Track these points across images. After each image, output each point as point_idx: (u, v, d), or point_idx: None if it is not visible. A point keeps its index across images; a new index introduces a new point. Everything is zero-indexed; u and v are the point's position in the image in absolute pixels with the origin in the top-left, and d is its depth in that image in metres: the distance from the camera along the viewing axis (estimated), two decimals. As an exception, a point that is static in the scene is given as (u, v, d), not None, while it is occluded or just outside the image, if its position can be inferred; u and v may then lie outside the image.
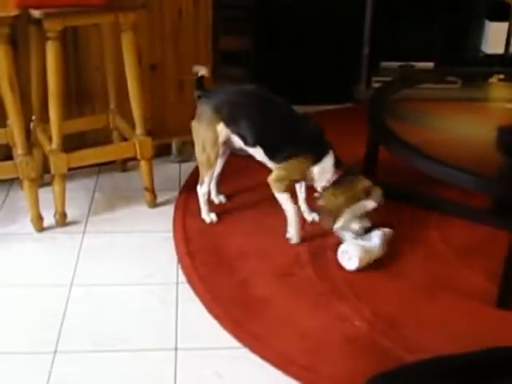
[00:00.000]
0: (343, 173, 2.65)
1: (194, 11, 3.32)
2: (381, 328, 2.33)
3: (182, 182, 3.27)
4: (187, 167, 3.40)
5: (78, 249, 2.76)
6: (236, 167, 3.31)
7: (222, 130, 2.73)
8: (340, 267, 2.63)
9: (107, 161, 3.14)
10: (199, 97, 2.77)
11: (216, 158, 2.81)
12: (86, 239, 2.83)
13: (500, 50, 4.27)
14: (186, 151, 3.44)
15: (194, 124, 2.78)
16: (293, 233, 2.76)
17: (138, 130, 2.94)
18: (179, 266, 2.67)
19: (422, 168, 2.59)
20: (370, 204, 2.64)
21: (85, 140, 3.19)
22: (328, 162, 2.64)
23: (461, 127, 2.98)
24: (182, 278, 2.60)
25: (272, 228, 2.88)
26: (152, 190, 3.06)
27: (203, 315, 2.41)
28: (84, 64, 3.21)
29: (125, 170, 3.35)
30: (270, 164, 2.73)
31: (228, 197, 3.10)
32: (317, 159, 2.64)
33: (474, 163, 2.48)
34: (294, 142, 2.64)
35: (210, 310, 2.43)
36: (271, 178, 2.69)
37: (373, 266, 2.63)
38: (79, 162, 2.92)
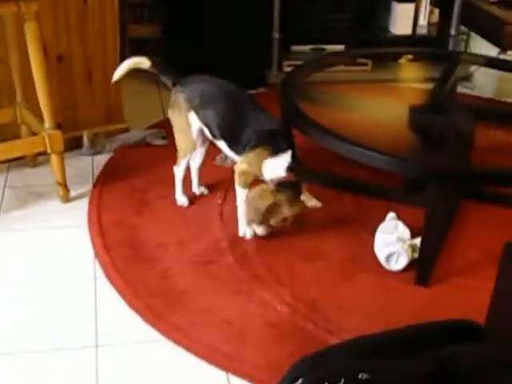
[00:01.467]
0: (291, 179, 2.60)
1: (99, -1, 3.24)
2: (303, 311, 2.35)
3: (96, 175, 3.20)
4: (100, 159, 3.32)
5: (-11, 248, 2.68)
6: (151, 158, 3.29)
7: (193, 118, 2.74)
8: (259, 253, 2.63)
9: (16, 156, 3.04)
10: (174, 84, 2.78)
11: (193, 144, 2.80)
12: (-3, 238, 2.74)
13: (408, 30, 4.35)
14: (99, 143, 3.36)
15: (169, 111, 2.82)
16: (242, 228, 2.73)
17: (47, 124, 2.86)
18: (96, 260, 2.61)
19: (336, 149, 2.59)
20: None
21: (-9, 136, 3.08)
22: (283, 159, 2.60)
23: (373, 108, 3.01)
24: (100, 272, 2.55)
25: (190, 218, 2.86)
26: (64, 185, 2.97)
27: (123, 309, 2.37)
28: (-13, 57, 3.10)
29: (35, 165, 3.25)
30: (234, 156, 2.72)
31: (144, 188, 3.05)
32: (273, 152, 2.60)
33: (387, 143, 2.50)
34: (254, 134, 2.61)
35: (130, 304, 2.39)
36: (236, 172, 2.68)
37: (290, 249, 2.65)
38: (-14, 158, 2.83)
